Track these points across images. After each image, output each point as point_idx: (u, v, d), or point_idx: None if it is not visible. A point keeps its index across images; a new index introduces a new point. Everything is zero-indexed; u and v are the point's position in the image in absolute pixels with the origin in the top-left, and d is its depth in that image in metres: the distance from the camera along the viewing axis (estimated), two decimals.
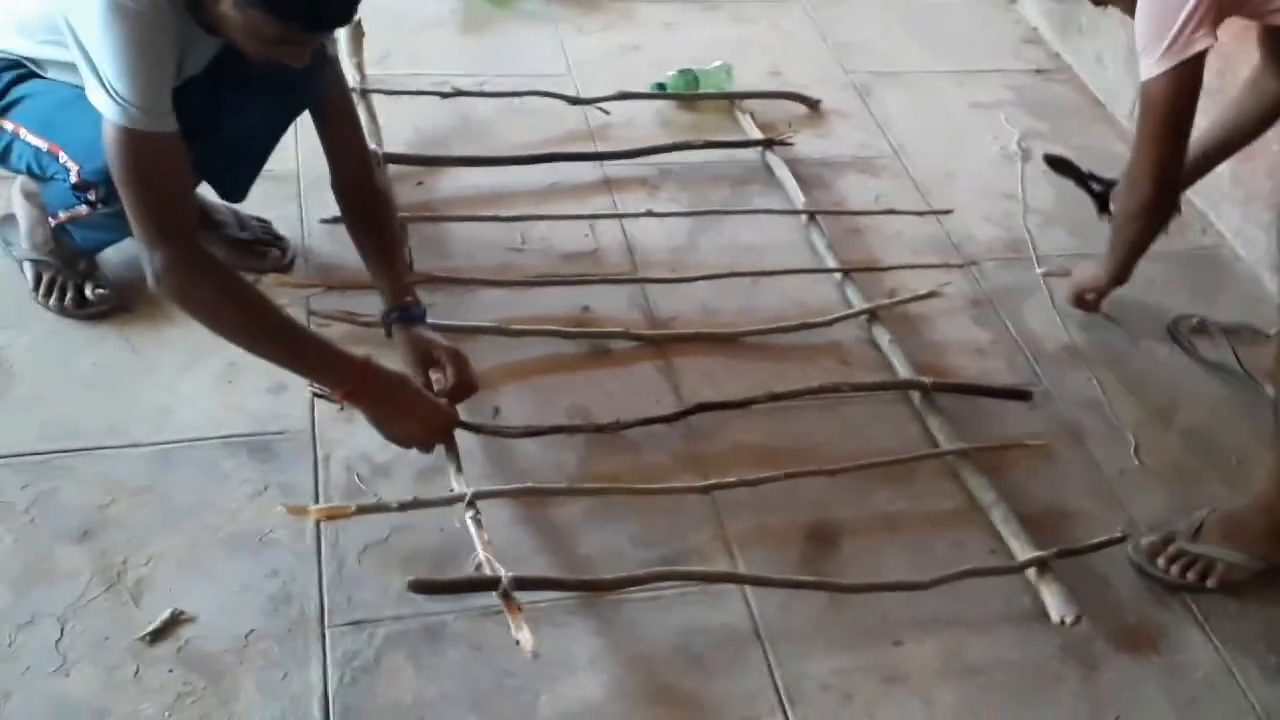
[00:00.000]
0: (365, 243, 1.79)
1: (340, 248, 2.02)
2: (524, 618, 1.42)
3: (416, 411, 1.61)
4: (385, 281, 1.75)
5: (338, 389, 1.58)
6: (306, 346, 1.57)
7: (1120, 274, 2.00)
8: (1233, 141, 1.96)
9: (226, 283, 1.52)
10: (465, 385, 1.69)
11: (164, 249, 1.47)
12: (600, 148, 2.37)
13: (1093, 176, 2.17)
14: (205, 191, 1.85)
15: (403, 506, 1.56)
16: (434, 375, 1.69)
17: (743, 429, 1.84)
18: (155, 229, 1.47)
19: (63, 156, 1.63)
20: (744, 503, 1.72)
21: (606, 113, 2.44)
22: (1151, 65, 1.64)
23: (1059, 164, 2.21)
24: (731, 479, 1.71)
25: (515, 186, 2.26)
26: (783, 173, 2.37)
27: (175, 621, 1.51)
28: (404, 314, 1.73)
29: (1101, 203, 2.14)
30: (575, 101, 2.44)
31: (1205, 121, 1.90)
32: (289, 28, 1.41)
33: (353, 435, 1.72)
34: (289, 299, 1.92)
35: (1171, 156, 1.74)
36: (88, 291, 1.86)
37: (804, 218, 2.27)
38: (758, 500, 1.72)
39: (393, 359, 1.71)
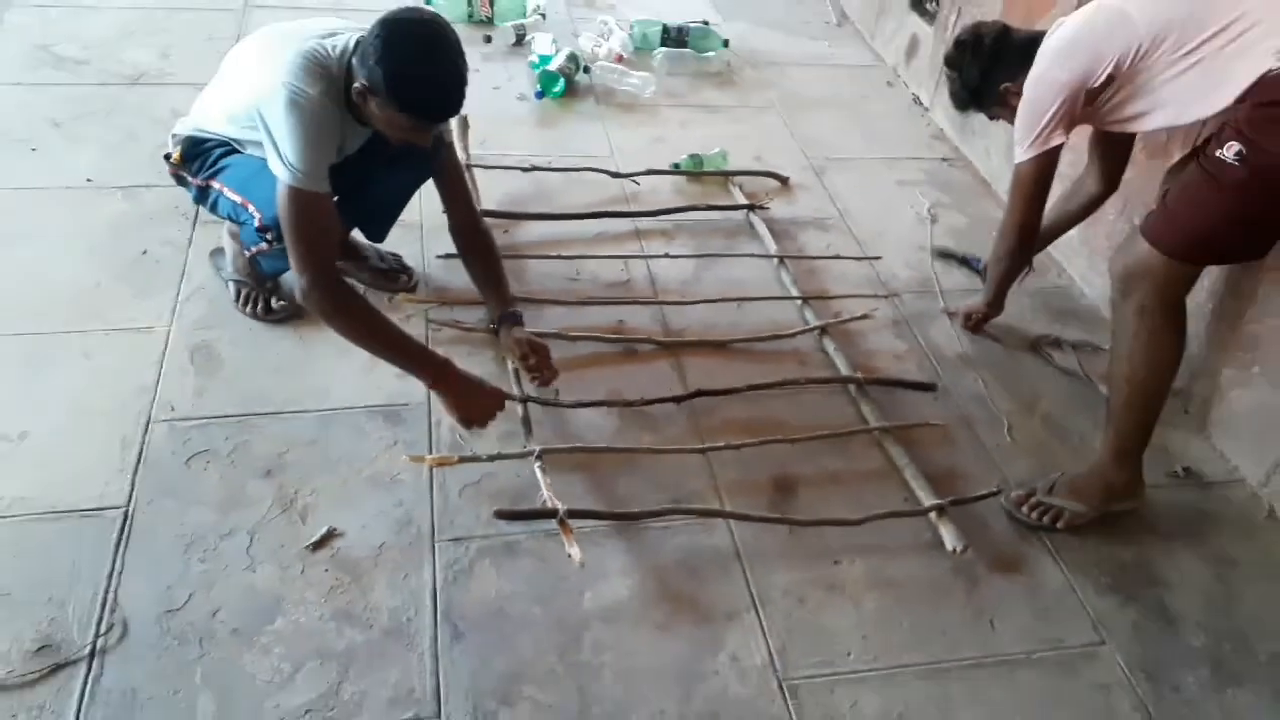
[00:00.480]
0: (475, 269, 1.80)
1: (450, 276, 2.02)
2: (575, 538, 1.42)
3: (477, 401, 1.58)
4: (493, 295, 1.75)
5: (426, 380, 1.57)
6: (407, 350, 1.55)
7: (994, 302, 1.99)
8: (1070, 218, 1.97)
9: (350, 301, 1.52)
10: (548, 367, 1.68)
11: (307, 274, 1.46)
12: (633, 208, 2.35)
13: (966, 259, 2.25)
14: (357, 235, 1.86)
15: (490, 458, 1.57)
16: (529, 361, 1.67)
17: (730, 409, 1.82)
18: (303, 261, 1.47)
19: (251, 208, 1.64)
20: (730, 461, 1.70)
21: (638, 184, 2.41)
22: (1021, 153, 1.65)
23: (945, 255, 2.28)
24: (721, 444, 1.70)
25: (573, 235, 2.23)
26: (761, 229, 2.34)
27: (330, 536, 1.51)
28: (509, 317, 1.73)
29: (980, 273, 2.17)
30: (616, 175, 2.42)
31: (1056, 198, 1.90)
32: (418, 121, 1.43)
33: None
34: (414, 311, 1.92)
35: (1030, 216, 1.74)
36: (273, 303, 1.87)
37: (776, 261, 2.22)
38: (740, 459, 1.70)
39: (480, 361, 1.71)
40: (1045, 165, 1.63)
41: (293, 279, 1.51)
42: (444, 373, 1.57)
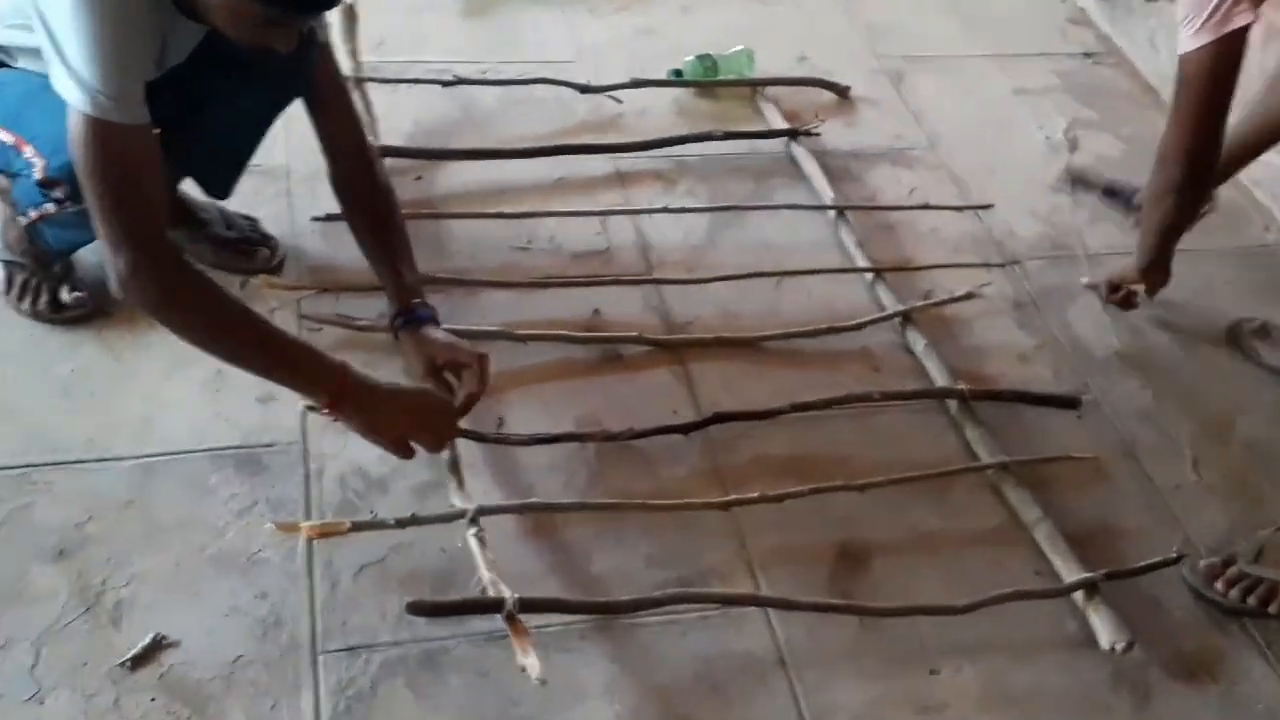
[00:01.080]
0: (368, 240, 1.79)
1: (333, 247, 2.04)
2: (531, 642, 1.43)
3: (410, 410, 1.59)
4: (393, 279, 1.75)
5: (320, 401, 1.57)
6: (287, 356, 1.55)
7: (1154, 265, 1.99)
8: (1270, 134, 1.97)
9: (199, 288, 1.51)
10: (480, 386, 1.68)
11: (129, 252, 1.43)
12: (612, 139, 2.37)
13: (1115, 189, 2.25)
14: (189, 188, 1.88)
15: (400, 523, 1.58)
16: (447, 377, 1.69)
17: (765, 441, 1.85)
18: (120, 230, 1.43)
19: (28, 151, 1.62)
20: (767, 520, 1.73)
21: (619, 102, 2.44)
22: (1189, 38, 1.67)
23: (1082, 182, 2.31)
24: (753, 494, 1.72)
25: (521, 182, 2.27)
26: (809, 165, 2.38)
27: (157, 646, 1.52)
28: (410, 316, 1.72)
29: (1127, 204, 2.19)
30: (585, 90, 2.45)
31: (1247, 106, 1.92)
32: (276, 9, 1.40)
33: (346, 447, 1.74)
34: (278, 302, 1.94)
35: (1204, 135, 1.75)
36: (63, 295, 1.87)
37: (832, 213, 2.27)
38: (782, 517, 1.73)
39: (393, 369, 1.73)
40: (1225, 56, 1.65)
41: (100, 259, 1.49)
42: (344, 382, 1.55)
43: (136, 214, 1.44)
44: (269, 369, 1.57)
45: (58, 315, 1.88)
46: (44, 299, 1.87)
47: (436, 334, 1.71)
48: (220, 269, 1.95)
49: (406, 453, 1.61)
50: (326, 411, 1.58)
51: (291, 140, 2.10)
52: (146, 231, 1.45)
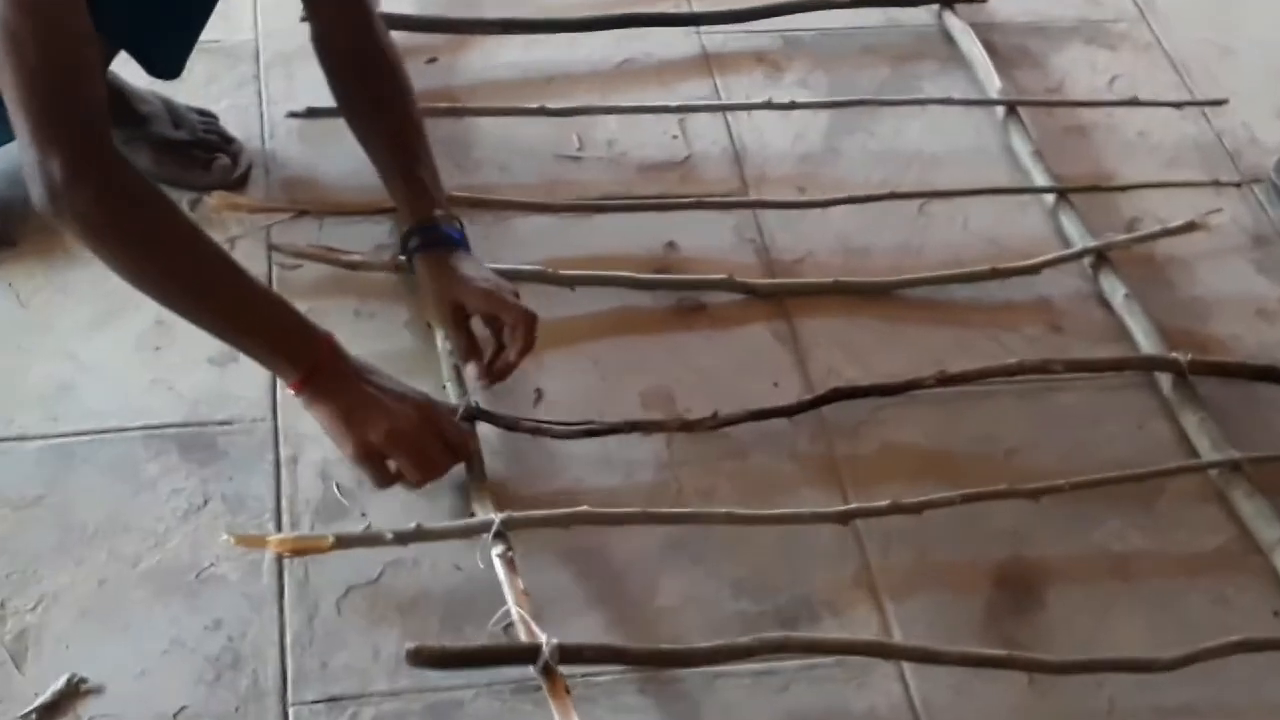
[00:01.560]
0: (370, 133, 1.83)
1: (316, 153, 2.05)
2: (574, 700, 1.42)
3: (400, 419, 1.60)
4: (400, 187, 1.79)
5: (289, 377, 1.60)
6: (261, 312, 1.58)
7: None
8: None
9: (154, 208, 1.52)
10: (525, 343, 1.73)
11: (65, 152, 1.43)
12: (697, 6, 2.38)
13: None
14: (122, 68, 1.89)
15: (401, 538, 1.58)
16: (484, 331, 1.74)
17: (900, 426, 1.86)
18: (53, 121, 1.44)
19: None
20: (900, 534, 1.73)
21: None
22: None
23: None
24: (882, 502, 1.71)
25: (571, 65, 2.29)
26: (970, 44, 2.36)
27: (73, 692, 1.52)
28: (431, 235, 1.75)
29: None
30: None
31: None
32: None
33: None
34: (240, 228, 1.95)
35: None
36: None
37: (1001, 111, 2.27)
38: (921, 532, 1.72)
39: (382, 333, 1.79)
40: None
41: (20, 169, 1.50)
42: (325, 363, 1.59)
43: (74, 101, 1.45)
44: (232, 326, 1.59)
45: None
46: None
47: (468, 267, 1.75)
48: (164, 182, 1.93)
49: (382, 475, 1.63)
50: (292, 391, 1.61)
51: (263, 6, 2.11)
52: (88, 125, 1.47)
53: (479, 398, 1.75)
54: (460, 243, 1.78)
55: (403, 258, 1.83)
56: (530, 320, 1.73)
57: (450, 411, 1.69)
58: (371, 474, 1.63)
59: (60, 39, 1.44)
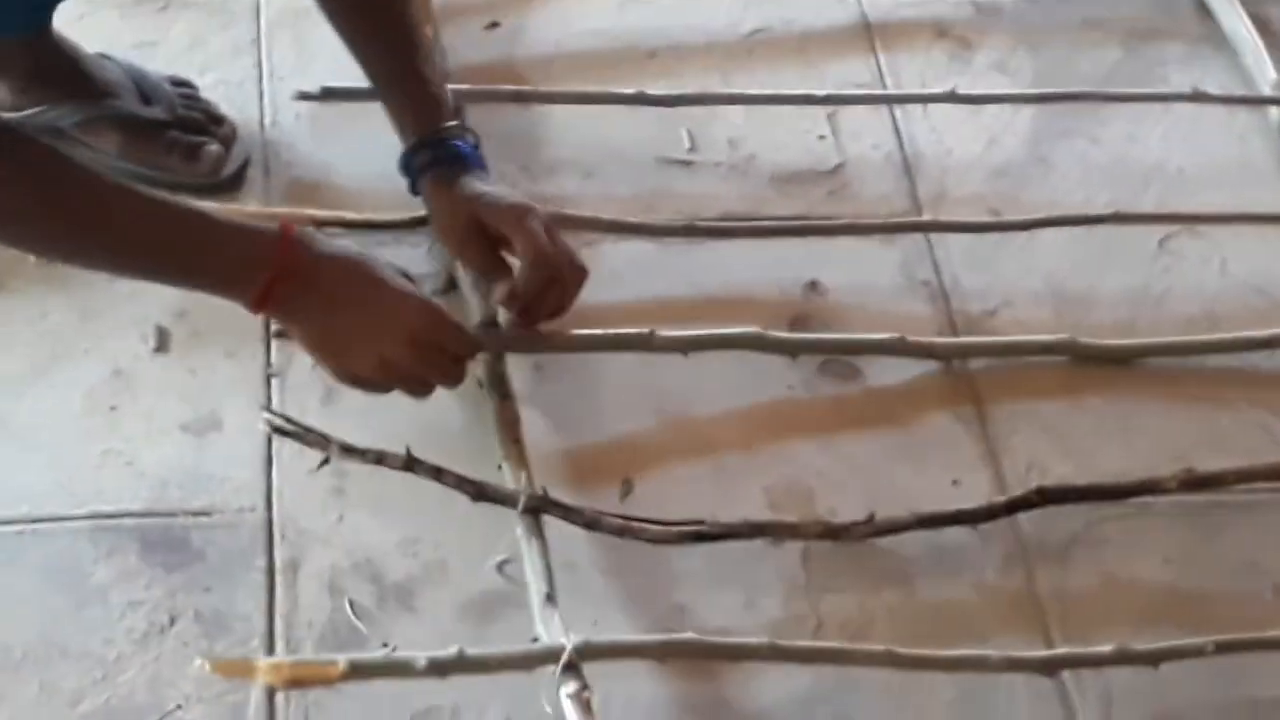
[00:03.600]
0: (360, 28, 1.86)
1: (331, 146, 2.09)
2: None
3: (394, 312, 1.65)
4: (400, 97, 1.84)
5: (248, 296, 1.60)
6: (185, 228, 1.58)
7: None
8: None
9: (28, 154, 1.52)
10: (564, 292, 1.78)
11: None
12: None
13: None
14: (73, 28, 1.91)
15: (438, 667, 1.54)
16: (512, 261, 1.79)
17: (1127, 545, 1.85)
18: None
19: None
20: (1128, 693, 1.71)
21: None
22: None
23: None
24: (1104, 647, 1.69)
25: (683, 34, 2.33)
26: (1234, 19, 2.36)
27: None
28: (439, 150, 1.80)
29: None
30: None
31: None
32: None
33: (343, 521, 1.76)
34: None
35: None
36: None
37: (1276, 112, 2.28)
38: (1156, 691, 1.70)
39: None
40: None
41: None
42: (285, 270, 1.60)
43: None
44: (163, 266, 1.61)
45: None
46: None
47: (483, 185, 1.80)
48: (135, 176, 1.97)
49: (376, 390, 1.69)
50: (254, 307, 1.62)
51: None
52: None
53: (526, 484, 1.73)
54: (473, 159, 1.83)
55: (412, 182, 1.86)
56: (573, 262, 1.79)
57: (451, 320, 1.73)
58: (368, 392, 1.71)
59: None
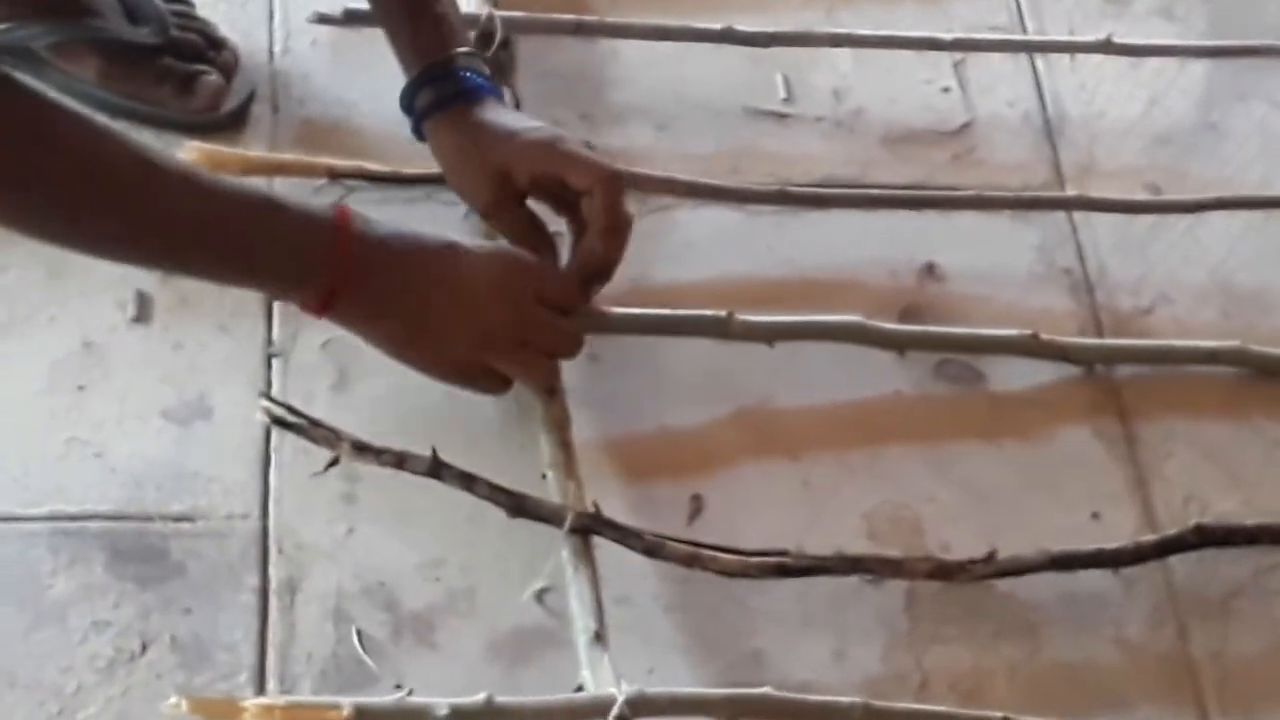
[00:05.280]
0: None
1: (352, 79, 2.11)
2: None
3: (498, 288, 1.68)
4: (407, 28, 1.86)
5: (306, 297, 1.63)
6: (227, 222, 1.58)
7: None
8: None
9: (28, 123, 1.49)
10: (617, 235, 1.78)
11: None
12: None
13: None
14: None
15: (461, 716, 1.56)
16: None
17: None
18: None
19: None
20: None
21: None
22: None
23: None
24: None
25: None
26: None
27: None
28: (450, 84, 1.80)
29: None
30: None
31: None
32: None
33: (355, 536, 1.75)
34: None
35: None
36: None
37: None
38: None
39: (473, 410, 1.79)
40: None
41: None
42: (351, 263, 1.62)
43: None
44: (197, 259, 1.61)
45: None
46: None
47: (507, 118, 1.82)
48: (118, 111, 2.01)
49: (493, 383, 1.73)
50: (316, 311, 1.65)
51: None
52: None
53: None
54: (490, 90, 1.84)
55: (413, 118, 1.87)
56: (616, 182, 1.78)
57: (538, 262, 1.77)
58: (479, 389, 1.74)
59: None
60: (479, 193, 1.82)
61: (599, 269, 1.79)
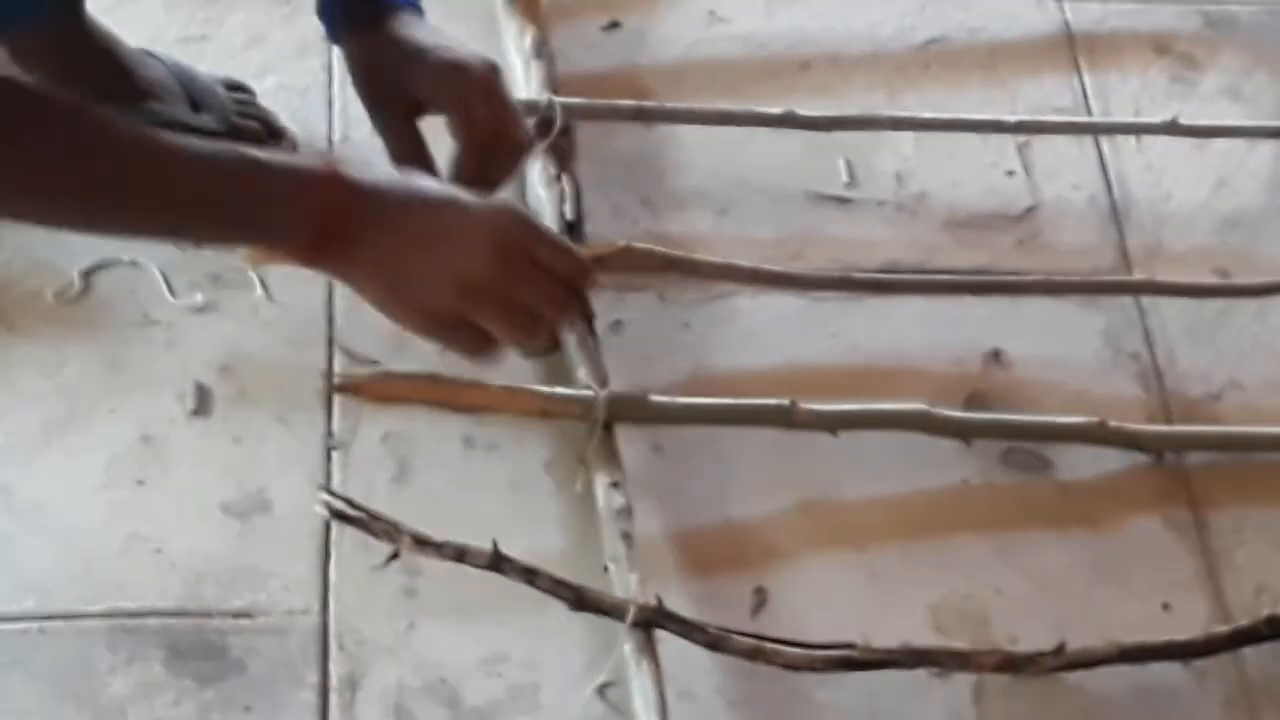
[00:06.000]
0: None
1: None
2: None
3: (471, 221, 1.63)
4: None
5: (293, 243, 1.60)
6: (217, 183, 1.58)
7: None
8: None
9: (32, 124, 1.52)
10: (510, 143, 1.79)
11: None
12: None
13: None
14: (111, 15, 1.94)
15: None
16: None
17: None
18: None
19: None
20: None
21: None
22: None
23: None
24: None
25: (844, 41, 2.36)
26: None
27: None
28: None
29: None
30: None
31: None
32: None
33: (415, 631, 1.76)
34: (288, 294, 1.97)
35: None
36: None
37: None
38: None
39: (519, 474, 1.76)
40: None
41: None
42: (337, 211, 1.59)
43: None
44: (192, 222, 1.63)
45: None
46: None
47: (421, 33, 1.82)
48: None
49: (471, 343, 1.65)
50: (313, 266, 1.64)
51: None
52: None
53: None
54: (407, 3, 1.85)
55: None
56: (496, 87, 1.79)
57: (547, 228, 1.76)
58: (457, 348, 1.66)
59: None
60: (374, 106, 1.85)
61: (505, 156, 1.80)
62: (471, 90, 1.78)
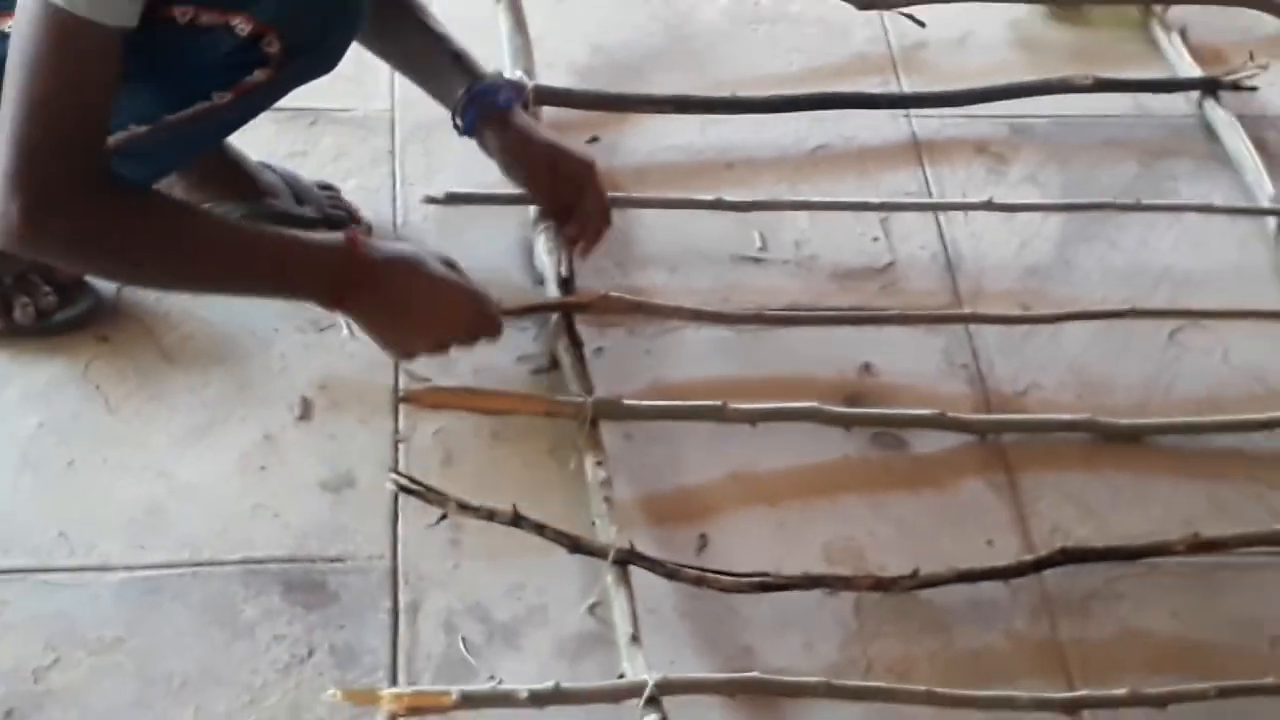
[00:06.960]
0: (395, 35, 1.94)
1: (454, 245, 2.02)
2: None
3: (447, 306, 1.79)
4: (437, 68, 1.94)
5: (326, 299, 1.74)
6: (267, 253, 1.71)
7: None
8: None
9: (132, 220, 1.61)
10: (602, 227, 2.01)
11: (20, 170, 1.51)
12: (907, 86, 2.39)
13: None
14: (239, 139, 1.93)
15: (537, 699, 1.56)
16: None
17: (1140, 601, 1.83)
18: (16, 139, 1.51)
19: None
20: None
21: (921, 24, 2.44)
22: None
23: None
24: (1120, 690, 1.66)
25: (756, 149, 2.32)
26: (1236, 139, 2.34)
27: None
28: (484, 101, 1.91)
29: None
30: (866, 5, 2.45)
31: None
32: None
33: (459, 568, 1.76)
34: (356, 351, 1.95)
35: None
36: (41, 301, 1.91)
37: (1273, 222, 2.25)
38: None
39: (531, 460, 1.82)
40: None
41: None
42: (356, 279, 1.72)
43: (49, 125, 1.52)
44: (247, 290, 1.77)
45: (37, 325, 1.91)
46: (26, 305, 1.90)
47: (524, 119, 1.97)
48: None
49: (403, 353, 1.84)
50: (335, 310, 1.77)
51: (400, 77, 2.14)
52: (80, 149, 1.54)
53: (622, 538, 1.72)
54: (515, 100, 1.95)
55: (458, 121, 1.94)
56: (591, 170, 1.98)
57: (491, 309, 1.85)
58: (411, 363, 1.89)
59: (78, 82, 1.52)
60: (515, 177, 1.95)
61: (594, 236, 1.98)
62: (577, 171, 1.96)
